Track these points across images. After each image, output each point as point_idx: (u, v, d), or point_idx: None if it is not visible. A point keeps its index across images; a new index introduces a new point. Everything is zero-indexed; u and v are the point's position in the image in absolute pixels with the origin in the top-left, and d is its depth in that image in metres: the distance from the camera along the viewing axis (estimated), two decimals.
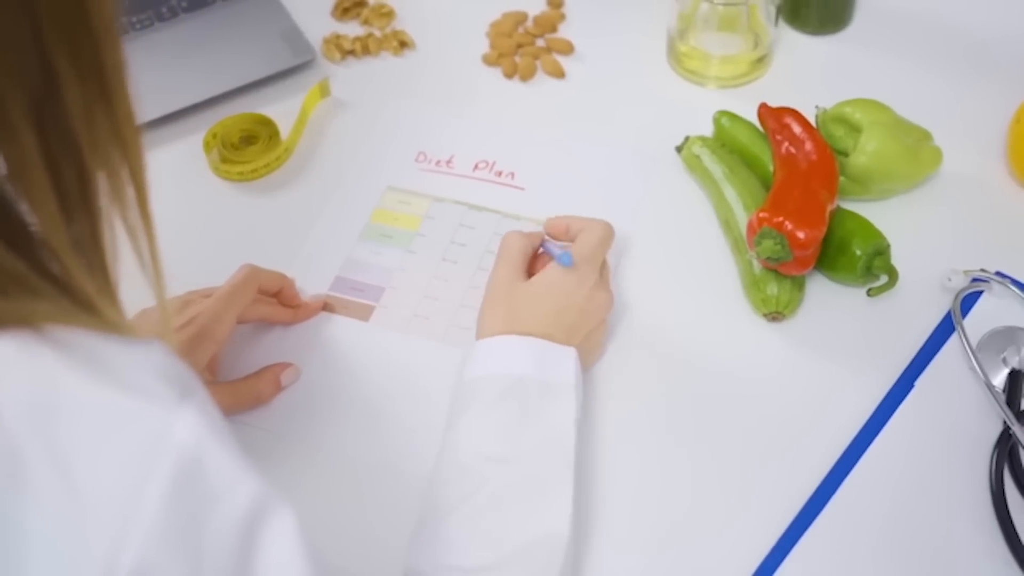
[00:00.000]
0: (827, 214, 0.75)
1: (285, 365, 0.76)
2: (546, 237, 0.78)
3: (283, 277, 0.79)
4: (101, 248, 0.45)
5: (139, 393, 0.43)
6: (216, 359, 0.76)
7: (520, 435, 0.67)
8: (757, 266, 0.77)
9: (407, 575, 0.64)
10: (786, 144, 0.80)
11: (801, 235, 0.73)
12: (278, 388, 0.76)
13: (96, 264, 0.45)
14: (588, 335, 0.73)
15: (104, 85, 0.43)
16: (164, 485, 0.42)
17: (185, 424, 0.43)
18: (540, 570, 0.63)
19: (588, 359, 0.74)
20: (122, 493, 0.42)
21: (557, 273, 0.73)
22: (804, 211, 0.74)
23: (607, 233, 0.76)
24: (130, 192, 0.45)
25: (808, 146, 0.79)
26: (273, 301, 0.79)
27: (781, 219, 0.73)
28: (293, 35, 0.97)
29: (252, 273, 0.76)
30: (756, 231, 0.74)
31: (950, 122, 0.88)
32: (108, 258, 0.46)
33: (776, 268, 0.75)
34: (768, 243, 0.74)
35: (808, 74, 0.95)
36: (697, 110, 0.90)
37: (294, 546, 0.46)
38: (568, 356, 0.71)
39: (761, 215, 0.74)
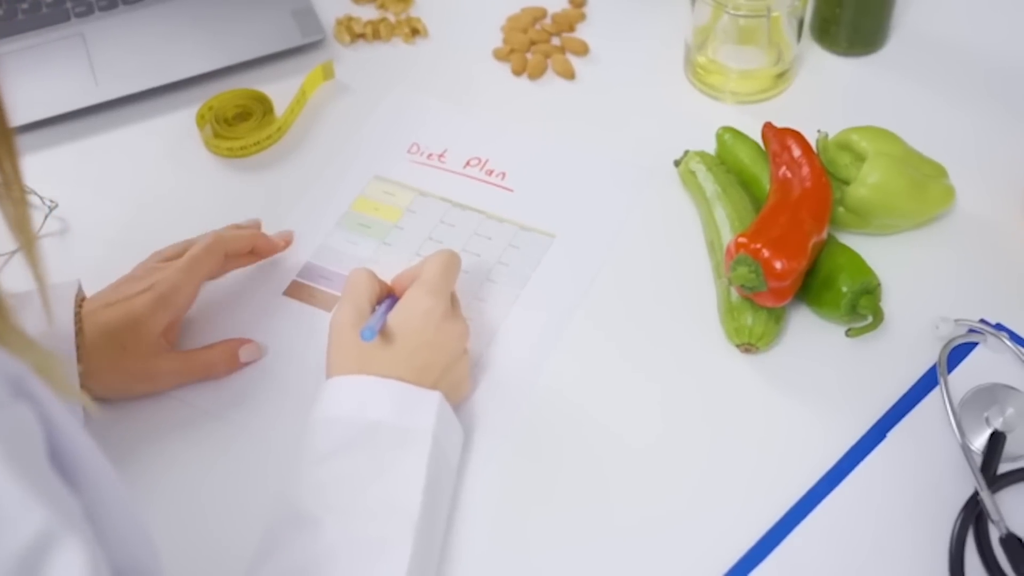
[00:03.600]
0: (810, 246, 0.71)
1: (245, 341, 0.74)
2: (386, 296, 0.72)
3: (255, 237, 0.77)
4: None
5: None
6: (176, 326, 0.75)
7: (367, 488, 0.62)
8: (735, 293, 0.73)
9: None
10: (784, 167, 0.76)
11: (778, 265, 0.69)
12: (235, 363, 0.74)
13: None
14: (448, 370, 0.68)
15: None
16: None
17: None
18: None
19: (454, 396, 0.69)
20: None
21: (401, 313, 0.68)
22: (785, 240, 0.70)
23: (452, 262, 0.71)
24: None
25: (804, 171, 0.75)
26: (244, 258, 0.77)
27: (759, 246, 0.69)
28: (306, 14, 0.95)
29: (216, 242, 0.74)
30: (733, 256, 0.70)
31: (971, 161, 0.83)
32: None
33: (750, 297, 0.71)
34: (743, 270, 0.69)
35: (830, 96, 0.90)
36: (708, 125, 0.85)
37: None
38: (430, 400, 0.66)
39: (739, 240, 0.70)
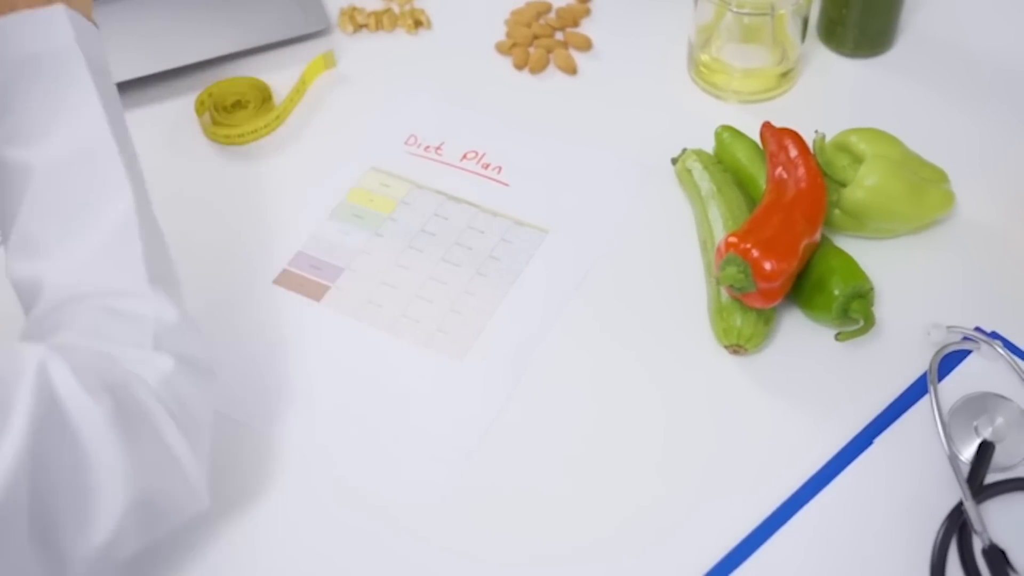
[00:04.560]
0: (801, 248, 0.70)
1: None
2: None
3: None
4: None
5: None
6: None
7: (48, 125, 0.61)
8: (725, 294, 0.72)
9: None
10: (780, 168, 0.75)
11: (768, 266, 0.68)
12: None
13: None
14: None
15: None
16: None
17: None
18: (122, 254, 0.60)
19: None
20: None
21: None
22: (776, 241, 0.69)
23: None
24: None
25: (800, 172, 0.73)
26: None
27: (748, 246, 0.68)
28: (311, 2, 0.95)
29: None
30: (723, 256, 0.69)
31: (975, 167, 0.82)
32: None
33: (739, 298, 0.70)
34: (731, 270, 0.69)
35: (835, 97, 0.89)
36: (710, 124, 0.84)
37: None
38: (57, 16, 0.62)
39: (729, 239, 0.69)
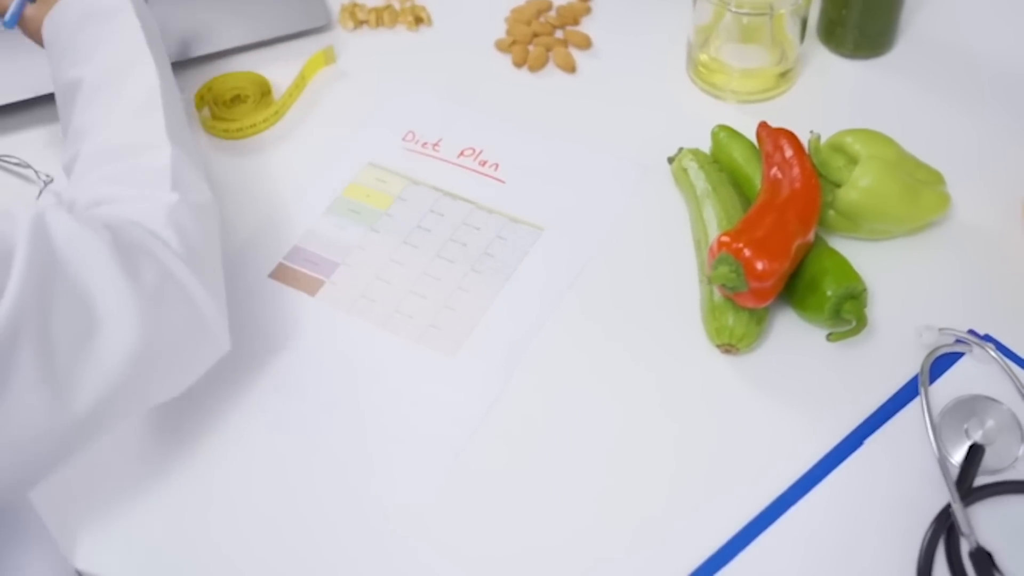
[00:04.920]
0: (794, 248, 0.70)
1: None
2: None
3: None
4: None
5: None
6: None
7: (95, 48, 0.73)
8: (718, 293, 0.72)
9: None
10: (775, 168, 0.75)
11: (759, 266, 0.68)
12: None
13: None
14: None
15: None
16: None
17: None
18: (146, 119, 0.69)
19: None
20: None
21: None
22: (769, 241, 0.69)
23: None
24: None
25: (795, 172, 0.73)
26: None
27: (740, 246, 0.68)
28: None
29: None
30: (715, 255, 0.70)
31: (973, 169, 0.81)
32: None
33: (731, 298, 0.70)
34: (723, 269, 0.69)
35: (834, 98, 0.89)
36: (709, 123, 0.84)
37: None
38: None
39: (722, 239, 0.69)
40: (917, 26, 0.92)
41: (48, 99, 0.90)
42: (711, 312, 0.72)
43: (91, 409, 0.57)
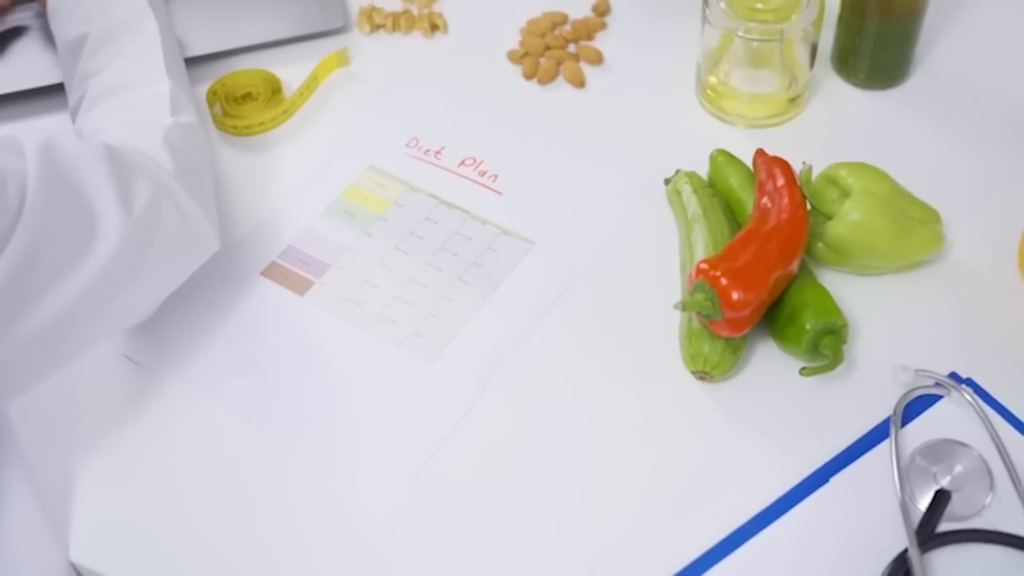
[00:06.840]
0: (772, 279, 0.69)
1: None
2: None
3: None
4: None
5: None
6: None
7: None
8: (696, 320, 0.72)
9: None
10: (766, 196, 0.74)
11: (735, 296, 0.68)
12: None
13: None
14: None
15: None
16: None
17: None
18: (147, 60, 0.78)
19: None
20: None
21: None
22: (746, 271, 0.69)
23: None
24: None
25: (783, 202, 0.73)
26: None
27: (718, 274, 0.68)
28: (331, 0, 0.97)
29: None
30: (693, 282, 0.69)
31: (975, 209, 0.80)
32: None
33: (707, 325, 0.70)
34: (699, 296, 0.69)
35: (842, 127, 0.88)
36: (713, 145, 0.83)
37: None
38: None
39: (701, 266, 0.69)
40: (933, 59, 0.91)
41: (54, 89, 0.92)
42: (688, 338, 0.72)
43: (60, 312, 0.62)
